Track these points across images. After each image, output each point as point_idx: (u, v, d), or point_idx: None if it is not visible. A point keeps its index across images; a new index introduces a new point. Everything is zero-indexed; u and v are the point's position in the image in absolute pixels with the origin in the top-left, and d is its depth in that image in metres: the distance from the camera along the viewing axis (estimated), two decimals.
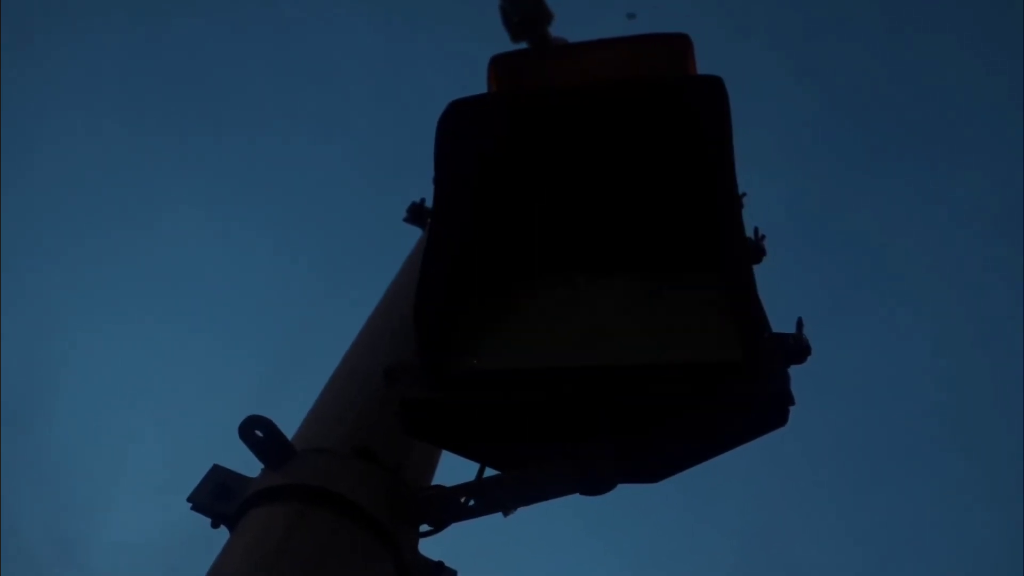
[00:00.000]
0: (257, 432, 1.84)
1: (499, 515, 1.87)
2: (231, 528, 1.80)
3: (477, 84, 2.70)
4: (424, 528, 1.91)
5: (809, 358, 1.77)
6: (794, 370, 1.77)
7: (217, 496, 1.83)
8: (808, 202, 12.21)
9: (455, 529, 1.92)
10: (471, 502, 1.86)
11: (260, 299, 13.15)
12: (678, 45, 2.70)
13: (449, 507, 1.87)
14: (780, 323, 1.86)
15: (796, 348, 1.77)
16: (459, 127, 2.04)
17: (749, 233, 2.10)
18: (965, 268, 12.32)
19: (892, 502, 11.66)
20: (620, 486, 1.84)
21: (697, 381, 1.72)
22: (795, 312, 1.84)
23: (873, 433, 12.06)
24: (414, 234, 3.17)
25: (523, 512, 1.91)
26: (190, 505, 1.85)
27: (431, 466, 2.08)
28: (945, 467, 11.80)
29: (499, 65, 2.85)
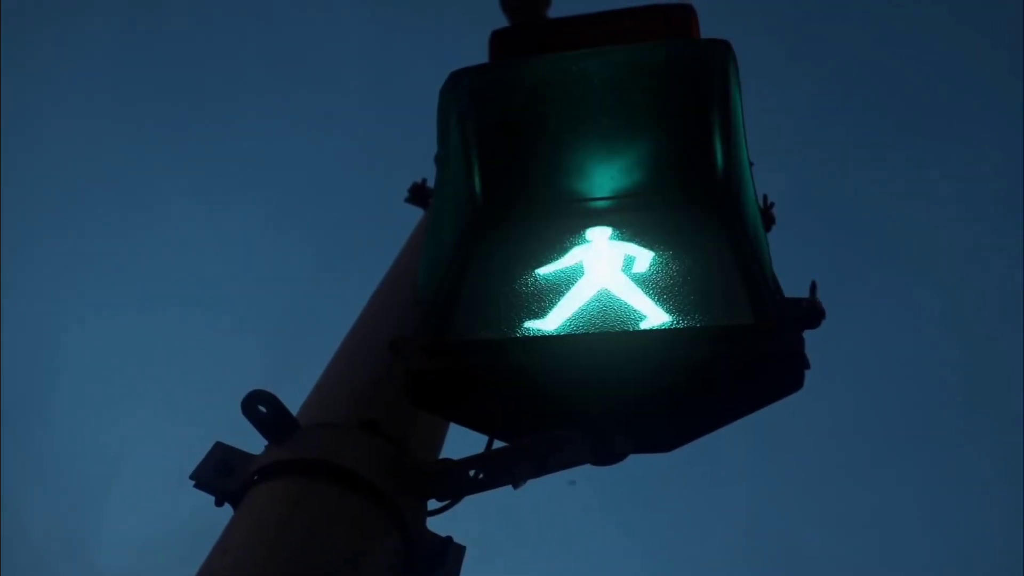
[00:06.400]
0: (260, 407, 1.80)
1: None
2: (235, 505, 1.76)
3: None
4: (436, 505, 1.87)
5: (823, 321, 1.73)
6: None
7: (220, 473, 1.79)
8: (813, 182, 12.16)
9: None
10: (480, 475, 1.82)
11: (257, 289, 13.12)
12: (681, 15, 2.67)
13: (457, 480, 1.82)
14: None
15: (810, 312, 1.73)
16: (460, 97, 2.01)
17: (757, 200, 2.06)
18: (974, 246, 12.27)
19: (901, 485, 11.63)
20: (632, 457, 1.80)
21: (709, 346, 1.68)
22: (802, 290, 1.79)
23: (881, 416, 12.02)
24: (413, 215, 3.15)
25: (533, 494, 1.88)
26: (193, 483, 1.81)
27: (438, 440, 2.04)
28: (954, 450, 11.75)
29: (499, 39, 2.82)
